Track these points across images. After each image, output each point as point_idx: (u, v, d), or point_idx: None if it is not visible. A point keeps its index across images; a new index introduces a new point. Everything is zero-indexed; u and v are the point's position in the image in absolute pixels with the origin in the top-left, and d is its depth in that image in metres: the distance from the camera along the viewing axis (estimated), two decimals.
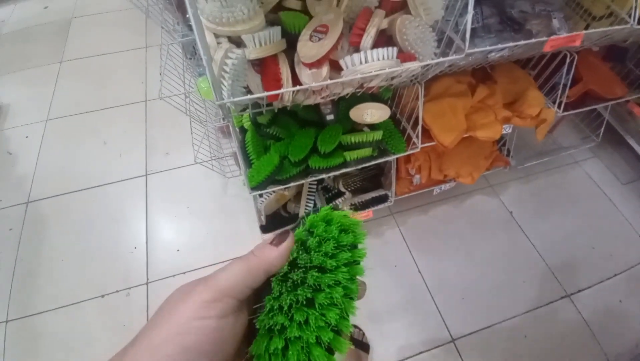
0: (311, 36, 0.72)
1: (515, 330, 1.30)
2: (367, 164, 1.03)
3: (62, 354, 1.23)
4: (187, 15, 0.67)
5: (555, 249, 1.48)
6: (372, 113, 0.92)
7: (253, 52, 0.70)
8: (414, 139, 1.05)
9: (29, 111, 1.88)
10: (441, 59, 0.77)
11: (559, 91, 1.15)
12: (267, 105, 0.80)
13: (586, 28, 1.07)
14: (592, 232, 1.54)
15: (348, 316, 0.31)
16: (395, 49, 0.71)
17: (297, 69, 0.75)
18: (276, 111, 0.97)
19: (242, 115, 1.05)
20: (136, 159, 1.69)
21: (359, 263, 0.33)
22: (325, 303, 0.29)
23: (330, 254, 0.31)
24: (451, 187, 1.42)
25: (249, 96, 0.70)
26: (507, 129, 1.20)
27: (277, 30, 0.72)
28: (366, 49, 0.72)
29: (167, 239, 1.48)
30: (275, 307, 0.29)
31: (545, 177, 1.69)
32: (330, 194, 1.28)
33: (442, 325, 1.30)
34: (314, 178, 0.99)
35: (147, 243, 1.46)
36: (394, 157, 1.07)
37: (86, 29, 2.32)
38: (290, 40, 0.75)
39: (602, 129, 1.52)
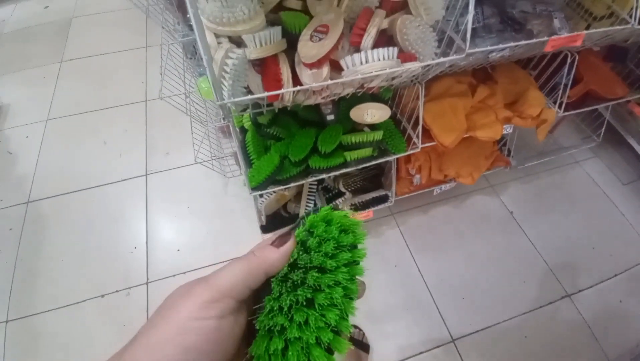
0: (312, 36, 0.72)
1: (515, 330, 1.30)
2: (368, 165, 1.03)
3: (62, 354, 1.23)
4: (188, 15, 0.67)
5: (555, 250, 1.48)
6: (373, 113, 0.92)
7: (253, 52, 0.70)
8: (415, 139, 1.05)
9: (29, 110, 1.88)
10: (442, 59, 0.77)
11: (560, 91, 1.15)
12: (268, 105, 0.80)
13: (587, 28, 1.07)
14: (592, 232, 1.54)
15: (348, 316, 0.31)
16: (396, 49, 0.71)
17: (297, 69, 0.75)
18: (276, 111, 0.97)
19: (242, 115, 1.04)
20: (136, 159, 1.69)
21: (358, 263, 0.33)
22: (325, 304, 0.29)
23: (330, 254, 0.31)
24: (451, 187, 1.42)
25: (249, 96, 0.70)
26: (507, 130, 1.19)
27: (277, 30, 0.72)
28: (367, 49, 0.72)
29: (167, 239, 1.48)
30: (275, 308, 0.29)
31: (545, 178, 1.69)
32: (330, 194, 1.28)
33: (442, 325, 1.30)
34: (314, 178, 0.99)
35: (147, 242, 1.46)
36: (395, 157, 1.07)
37: (86, 28, 2.32)
38: (291, 41, 0.75)
39: (603, 129, 1.52)
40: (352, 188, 1.37)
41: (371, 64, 0.70)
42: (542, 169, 1.69)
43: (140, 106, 1.88)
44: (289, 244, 0.30)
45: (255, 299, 0.30)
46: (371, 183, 1.40)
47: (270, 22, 0.75)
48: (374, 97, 1.01)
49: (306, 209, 1.19)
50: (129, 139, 1.76)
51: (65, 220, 1.52)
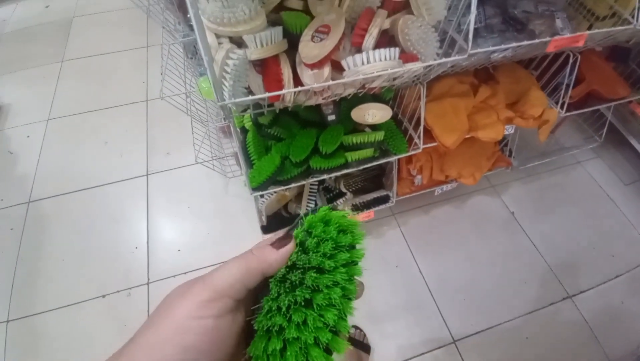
0: (313, 36, 0.72)
1: (516, 331, 1.29)
2: (369, 165, 1.02)
3: (63, 354, 1.23)
4: (188, 15, 0.66)
5: (557, 250, 1.48)
6: (374, 114, 0.92)
7: (254, 52, 0.70)
8: (416, 140, 1.05)
9: (30, 110, 1.88)
10: (444, 60, 0.77)
11: (562, 91, 1.14)
12: (269, 106, 0.80)
13: (589, 28, 1.07)
14: (594, 233, 1.53)
15: (346, 316, 0.31)
16: (397, 49, 0.71)
17: (298, 70, 0.74)
18: (277, 111, 0.97)
19: (243, 115, 1.04)
20: (137, 159, 1.69)
21: (357, 264, 0.33)
22: (324, 304, 0.29)
23: (328, 255, 0.31)
24: (453, 187, 1.42)
25: (250, 97, 0.69)
26: (509, 130, 1.19)
27: (278, 30, 0.72)
28: (368, 50, 0.72)
29: (168, 239, 1.48)
30: (273, 308, 0.29)
31: (547, 178, 1.69)
32: (331, 194, 1.27)
33: (443, 325, 1.30)
34: (315, 179, 0.99)
35: (148, 243, 1.46)
36: (396, 157, 1.07)
37: (87, 28, 2.32)
38: (292, 41, 0.75)
39: (605, 130, 1.52)
40: (353, 189, 1.36)
41: (373, 64, 0.69)
42: (543, 170, 1.69)
43: (141, 106, 1.88)
44: (289, 247, 0.30)
45: (254, 300, 0.30)
46: (372, 184, 1.40)
47: (271, 23, 0.75)
48: (375, 97, 1.01)
49: (307, 209, 1.19)
50: (129, 139, 1.76)
51: (66, 220, 1.52)
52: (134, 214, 1.54)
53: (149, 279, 1.37)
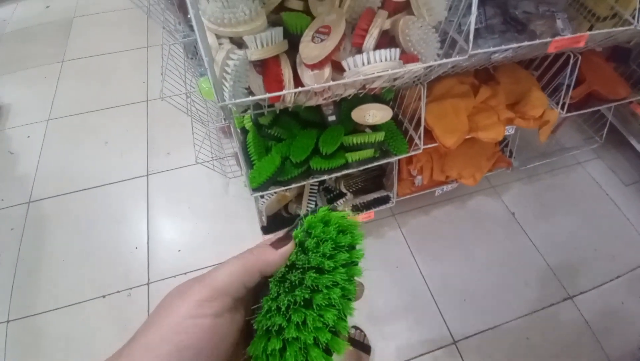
0: (313, 37, 0.71)
1: (517, 332, 1.29)
2: (369, 166, 1.02)
3: (63, 354, 1.23)
4: (189, 16, 0.66)
5: (557, 251, 1.47)
6: (374, 114, 0.92)
7: (255, 53, 0.70)
8: (416, 140, 1.05)
9: (31, 110, 1.88)
10: (444, 60, 0.77)
11: (563, 92, 1.14)
12: (269, 106, 0.80)
13: (590, 29, 1.07)
14: (594, 233, 1.53)
15: (346, 317, 0.31)
16: (398, 50, 0.71)
17: (299, 70, 0.74)
18: (278, 111, 0.97)
19: (243, 116, 1.04)
20: (137, 159, 1.69)
21: (357, 264, 0.33)
22: (323, 304, 0.29)
23: (328, 255, 0.31)
24: (453, 188, 1.42)
25: (250, 98, 0.69)
26: (509, 130, 1.19)
27: (279, 31, 0.72)
28: (369, 50, 0.72)
29: (168, 240, 1.48)
30: (273, 308, 0.29)
31: (547, 179, 1.69)
32: (331, 195, 1.27)
33: (443, 326, 1.30)
34: (315, 179, 0.99)
35: (148, 243, 1.46)
36: (396, 158, 1.07)
37: (88, 28, 2.32)
38: (293, 41, 0.75)
39: (606, 130, 1.52)
40: (354, 189, 1.36)
41: (373, 65, 0.69)
42: (544, 170, 1.69)
43: (141, 106, 1.88)
44: (288, 247, 0.30)
45: (254, 300, 0.30)
46: (372, 184, 1.40)
47: (272, 23, 0.75)
48: (376, 98, 1.01)
49: (307, 210, 1.18)
50: (130, 139, 1.76)
51: (67, 220, 1.52)
52: (134, 215, 1.54)
53: (149, 279, 1.37)
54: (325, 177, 0.98)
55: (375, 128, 1.02)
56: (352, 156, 0.96)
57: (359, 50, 0.76)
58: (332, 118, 0.97)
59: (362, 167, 1.01)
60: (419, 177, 1.32)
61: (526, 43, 0.85)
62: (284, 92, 0.70)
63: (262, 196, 1.17)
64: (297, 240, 0.31)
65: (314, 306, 0.29)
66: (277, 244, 0.30)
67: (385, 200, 1.32)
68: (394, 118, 1.08)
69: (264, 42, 0.70)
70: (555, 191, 1.65)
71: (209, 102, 1.33)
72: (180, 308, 0.25)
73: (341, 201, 1.25)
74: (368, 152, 0.97)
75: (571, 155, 1.71)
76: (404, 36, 0.75)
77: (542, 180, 1.68)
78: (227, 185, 1.61)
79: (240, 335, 0.29)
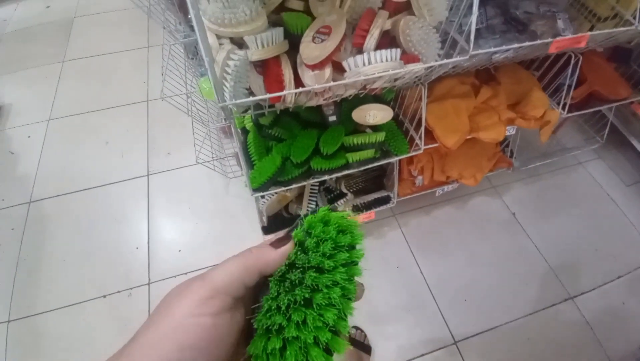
0: (314, 37, 0.71)
1: (517, 332, 1.29)
2: (370, 166, 1.02)
3: (64, 354, 1.24)
4: (189, 16, 0.66)
5: (558, 251, 1.47)
6: (375, 114, 0.92)
7: (255, 53, 0.70)
8: (417, 141, 1.05)
9: (31, 110, 1.88)
10: (445, 61, 0.76)
11: (564, 92, 1.14)
12: (270, 106, 0.80)
13: (591, 29, 1.07)
14: (595, 234, 1.53)
15: (346, 316, 0.31)
16: (398, 50, 0.71)
17: (299, 71, 0.74)
18: (278, 112, 0.97)
19: (244, 116, 1.04)
20: (138, 159, 1.69)
21: (357, 264, 0.33)
22: (323, 304, 0.29)
23: (328, 254, 0.31)
24: (454, 188, 1.42)
25: (251, 98, 0.69)
26: (510, 131, 1.19)
27: (279, 31, 0.72)
28: (369, 51, 0.72)
29: (169, 240, 1.48)
30: (273, 307, 0.29)
31: (548, 179, 1.68)
32: (332, 195, 1.27)
33: (444, 326, 1.30)
34: (316, 180, 0.99)
35: (148, 243, 1.46)
36: (397, 158, 1.07)
37: (88, 28, 2.32)
38: (293, 42, 0.75)
39: (607, 130, 1.51)
40: (354, 189, 1.36)
41: (374, 65, 0.69)
42: (544, 170, 1.68)
43: (141, 106, 1.88)
44: (287, 247, 0.30)
45: (254, 299, 0.30)
46: (373, 184, 1.39)
47: (272, 23, 0.75)
48: (376, 98, 1.01)
49: (307, 210, 1.18)
50: (130, 139, 1.76)
51: (67, 220, 1.52)
52: (135, 215, 1.54)
53: (149, 279, 1.37)
54: (326, 177, 0.98)
55: (375, 128, 1.02)
56: (352, 157, 0.96)
57: (359, 50, 0.76)
58: (332, 118, 0.97)
59: (362, 168, 1.01)
60: (420, 177, 1.32)
61: (527, 43, 0.85)
62: (284, 92, 0.70)
63: (262, 196, 1.17)
64: (297, 240, 0.31)
65: (314, 306, 0.29)
66: (276, 244, 0.30)
67: (385, 200, 1.32)
68: (395, 118, 1.08)
69: (265, 43, 0.70)
70: (556, 191, 1.65)
71: (209, 102, 1.33)
72: (180, 308, 0.25)
73: (342, 201, 1.25)
74: (369, 153, 0.97)
75: (572, 155, 1.71)
76: (404, 36, 0.75)
77: (543, 180, 1.68)
78: (227, 185, 1.61)
79: (240, 335, 0.29)
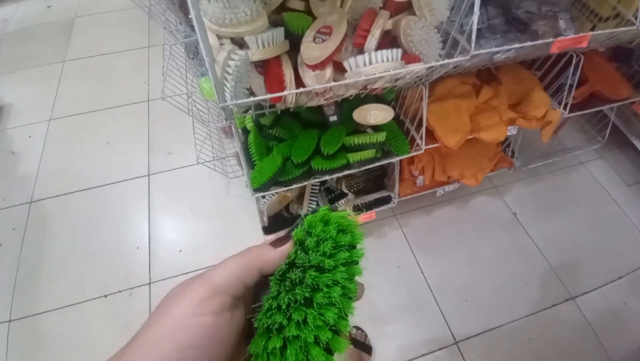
0: (315, 37, 0.71)
1: (518, 332, 1.29)
2: (371, 166, 1.02)
3: (65, 354, 1.24)
4: (190, 16, 0.66)
5: (559, 251, 1.47)
6: (376, 114, 0.92)
7: (256, 53, 0.70)
8: (418, 141, 1.04)
9: (32, 110, 1.88)
10: (446, 61, 0.76)
11: (565, 92, 1.14)
12: (270, 106, 0.80)
13: (592, 29, 1.06)
14: (596, 234, 1.52)
15: (347, 316, 0.31)
16: (399, 50, 0.70)
17: (300, 71, 0.74)
18: (279, 112, 0.97)
19: (244, 116, 1.04)
20: (138, 159, 1.69)
21: (357, 263, 0.33)
22: (324, 303, 0.29)
23: (328, 254, 0.31)
24: (455, 188, 1.41)
25: (252, 98, 0.69)
26: (512, 131, 1.19)
27: (280, 31, 0.72)
28: (370, 51, 0.72)
29: (170, 240, 1.48)
30: (273, 306, 0.29)
31: (549, 179, 1.68)
32: (333, 195, 1.27)
33: (445, 326, 1.29)
34: (316, 180, 0.99)
35: (149, 243, 1.46)
36: (398, 158, 1.07)
37: (89, 28, 2.32)
38: (294, 42, 0.75)
39: (608, 130, 1.51)
40: (355, 189, 1.36)
41: (375, 65, 0.69)
42: (546, 170, 1.68)
43: (142, 106, 1.88)
44: (286, 246, 0.30)
45: (254, 299, 0.31)
46: (374, 184, 1.39)
47: (273, 23, 0.74)
48: (377, 98, 1.01)
49: (308, 210, 1.18)
50: (131, 139, 1.76)
51: (68, 220, 1.53)
52: (136, 215, 1.54)
53: (150, 279, 1.37)
54: (327, 177, 0.98)
55: (376, 128, 1.02)
56: (353, 157, 0.96)
57: (360, 50, 0.76)
58: (333, 118, 0.96)
59: (363, 168, 1.01)
60: (421, 177, 1.32)
61: (529, 43, 0.84)
62: (285, 92, 0.70)
63: (263, 196, 1.17)
64: (297, 239, 0.31)
65: (315, 305, 0.29)
66: (276, 244, 0.30)
67: (386, 200, 1.32)
68: (396, 118, 1.07)
69: (265, 43, 0.70)
70: (557, 191, 1.65)
71: (210, 102, 1.33)
72: (180, 307, 0.26)
73: (342, 201, 1.25)
74: (369, 153, 0.97)
75: (573, 155, 1.71)
76: (405, 36, 0.75)
77: (544, 180, 1.67)
78: (228, 185, 1.61)
79: (240, 334, 0.29)
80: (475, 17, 0.72)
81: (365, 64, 0.70)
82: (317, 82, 0.72)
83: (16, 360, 1.23)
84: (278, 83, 0.72)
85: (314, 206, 1.20)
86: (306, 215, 0.32)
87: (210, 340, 0.25)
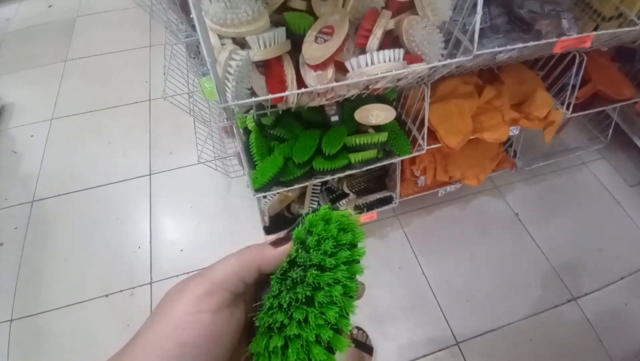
0: (316, 37, 0.71)
1: (520, 333, 1.29)
2: (372, 166, 1.02)
3: (66, 353, 1.24)
4: (191, 16, 0.66)
5: (561, 252, 1.46)
6: (377, 114, 0.91)
7: (257, 53, 0.69)
8: (420, 141, 1.04)
9: (34, 110, 1.89)
10: (448, 61, 0.76)
11: (568, 92, 1.13)
12: (272, 107, 0.79)
13: (595, 29, 1.06)
14: (598, 234, 1.52)
15: (348, 314, 0.31)
16: (401, 50, 0.70)
17: (302, 71, 0.74)
18: (280, 112, 0.96)
19: (246, 116, 1.04)
20: (140, 159, 1.69)
21: (358, 262, 0.33)
22: (325, 301, 0.29)
23: (329, 252, 0.31)
24: (456, 188, 1.41)
25: (253, 99, 0.69)
26: (514, 131, 1.18)
27: (281, 31, 0.72)
28: (372, 51, 0.71)
29: (171, 239, 1.48)
30: (274, 305, 0.29)
31: (551, 179, 1.67)
32: (334, 195, 1.27)
33: (446, 327, 1.29)
34: (318, 180, 0.99)
35: (151, 242, 1.46)
36: (399, 159, 1.06)
37: (90, 27, 2.32)
38: (295, 42, 0.74)
39: (611, 131, 1.50)
40: (356, 189, 1.36)
41: (377, 65, 0.69)
42: (548, 171, 1.67)
43: (143, 106, 1.88)
44: (286, 247, 0.30)
45: (255, 298, 0.31)
46: (375, 184, 1.39)
47: (275, 23, 0.74)
48: (379, 98, 1.00)
49: (309, 210, 1.18)
50: (132, 139, 1.76)
51: (70, 219, 1.53)
52: (137, 214, 1.54)
53: (152, 278, 1.38)
54: (328, 178, 0.98)
55: (378, 129, 1.02)
56: (355, 157, 0.95)
57: (362, 50, 0.75)
58: (334, 119, 0.96)
59: (365, 168, 1.00)
60: (422, 177, 1.31)
61: (532, 43, 0.84)
62: (286, 93, 0.69)
63: (264, 196, 1.17)
64: (298, 238, 0.31)
65: (316, 304, 0.29)
66: (276, 244, 0.30)
67: (388, 200, 1.32)
68: (397, 118, 1.07)
69: (267, 43, 0.70)
70: (560, 191, 1.64)
71: (211, 102, 1.33)
72: (179, 305, 0.26)
73: (344, 201, 1.25)
74: (371, 153, 0.96)
75: (576, 155, 1.70)
76: (407, 36, 0.74)
77: (546, 180, 1.67)
78: (229, 185, 1.61)
79: (240, 332, 0.29)
80: (478, 17, 0.71)
81: (367, 64, 0.69)
82: (319, 82, 0.72)
83: (17, 360, 1.24)
84: (279, 83, 0.72)
85: (315, 206, 1.20)
86: (307, 214, 0.32)
87: (210, 338, 0.25)
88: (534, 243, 1.48)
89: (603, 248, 1.48)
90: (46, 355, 1.24)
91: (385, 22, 0.73)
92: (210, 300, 0.26)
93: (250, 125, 1.03)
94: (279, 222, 1.22)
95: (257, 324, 0.29)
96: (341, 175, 1.00)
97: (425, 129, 1.03)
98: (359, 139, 0.94)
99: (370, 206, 1.30)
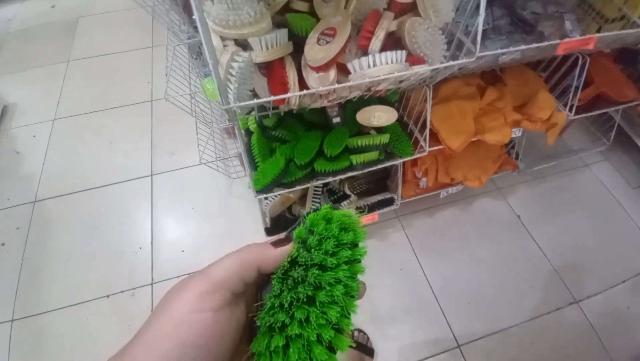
0: (319, 39, 0.71)
1: (522, 336, 1.28)
2: (374, 168, 1.02)
3: (67, 353, 1.24)
4: (193, 17, 0.66)
5: (563, 254, 1.46)
6: (379, 116, 0.91)
7: (260, 55, 0.69)
8: (422, 143, 1.04)
9: (36, 110, 1.89)
10: (451, 63, 0.76)
11: (571, 94, 1.13)
12: (274, 108, 0.79)
13: (598, 30, 1.06)
14: (601, 236, 1.51)
15: (349, 314, 0.31)
16: (404, 52, 0.70)
17: (304, 73, 0.74)
18: (282, 113, 0.96)
19: (247, 117, 1.04)
20: (141, 159, 1.69)
21: (359, 261, 0.33)
22: (326, 301, 0.29)
23: (330, 252, 0.31)
24: (458, 190, 1.41)
25: (255, 100, 0.69)
26: (516, 133, 1.18)
27: (284, 33, 0.71)
28: (374, 53, 0.71)
29: (172, 240, 1.48)
30: (275, 305, 0.29)
31: (554, 181, 1.67)
32: (335, 196, 1.27)
33: (447, 329, 1.29)
34: (319, 181, 0.99)
35: (152, 243, 1.46)
36: (401, 160, 1.06)
37: (93, 28, 2.32)
38: (298, 43, 0.74)
39: (613, 132, 1.50)
40: (358, 191, 1.36)
41: (379, 67, 0.69)
42: (550, 172, 1.67)
43: (145, 106, 1.89)
44: (286, 248, 0.30)
45: (256, 297, 0.31)
46: (377, 186, 1.39)
47: (277, 25, 0.74)
48: (381, 100, 1.00)
49: (311, 211, 1.18)
50: (134, 139, 1.77)
51: (71, 220, 1.53)
52: (139, 215, 1.54)
53: (153, 279, 1.38)
54: (330, 179, 0.98)
55: (380, 130, 1.01)
56: (356, 158, 0.95)
57: (364, 52, 0.75)
58: (336, 120, 0.96)
59: (366, 170, 1.00)
60: (424, 179, 1.31)
61: (534, 45, 0.84)
62: (288, 94, 0.69)
63: (265, 198, 1.16)
64: (299, 237, 0.31)
65: (317, 303, 0.29)
66: (277, 244, 0.30)
67: (389, 202, 1.32)
68: (399, 120, 1.07)
69: (269, 44, 0.69)
70: (562, 193, 1.64)
71: (213, 103, 1.33)
72: (179, 304, 0.25)
73: (345, 202, 1.25)
74: (373, 155, 0.96)
75: (578, 157, 1.70)
76: (410, 38, 0.74)
77: (549, 182, 1.66)
78: (231, 185, 1.61)
79: (241, 332, 0.29)
80: (480, 19, 0.71)
81: (369, 66, 0.69)
82: (321, 84, 0.72)
83: (18, 360, 1.24)
84: (281, 85, 0.72)
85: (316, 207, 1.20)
86: (308, 213, 0.32)
87: (210, 337, 0.25)
88: (535, 245, 1.48)
89: (605, 250, 1.48)
90: (47, 355, 1.24)
91: (387, 24, 0.73)
92: (210, 299, 0.26)
93: (252, 126, 1.03)
94: (280, 223, 1.22)
95: (258, 324, 0.29)
96: (343, 177, 1.00)
97: (427, 131, 1.03)
98: (360, 141, 0.94)
99: (371, 208, 1.30)
